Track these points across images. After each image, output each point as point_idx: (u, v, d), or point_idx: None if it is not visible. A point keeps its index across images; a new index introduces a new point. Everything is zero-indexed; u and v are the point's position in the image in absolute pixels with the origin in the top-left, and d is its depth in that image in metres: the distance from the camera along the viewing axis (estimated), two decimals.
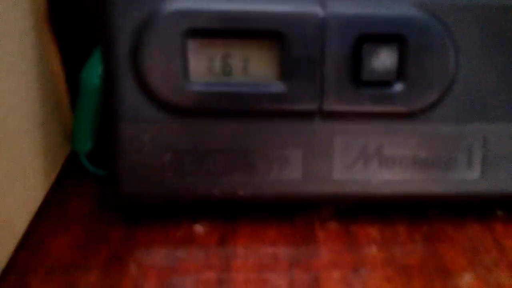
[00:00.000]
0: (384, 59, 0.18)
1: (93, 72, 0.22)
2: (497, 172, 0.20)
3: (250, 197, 0.20)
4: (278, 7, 0.18)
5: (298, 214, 0.21)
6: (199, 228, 0.20)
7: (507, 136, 0.19)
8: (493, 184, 0.20)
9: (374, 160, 0.19)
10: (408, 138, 0.19)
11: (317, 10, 0.18)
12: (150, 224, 0.20)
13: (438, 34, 0.18)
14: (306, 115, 0.19)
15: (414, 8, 0.18)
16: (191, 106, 0.18)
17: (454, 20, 0.18)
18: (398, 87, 0.19)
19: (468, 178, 0.20)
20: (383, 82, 0.18)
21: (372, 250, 0.19)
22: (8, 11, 0.18)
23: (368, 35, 0.18)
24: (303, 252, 0.19)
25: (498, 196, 0.20)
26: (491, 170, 0.20)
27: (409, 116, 0.19)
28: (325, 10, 0.18)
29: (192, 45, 0.18)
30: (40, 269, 0.18)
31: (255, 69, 0.19)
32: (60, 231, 0.20)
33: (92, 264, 0.18)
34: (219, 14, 0.18)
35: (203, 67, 0.18)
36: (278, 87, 0.18)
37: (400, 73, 0.18)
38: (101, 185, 0.22)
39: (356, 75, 0.18)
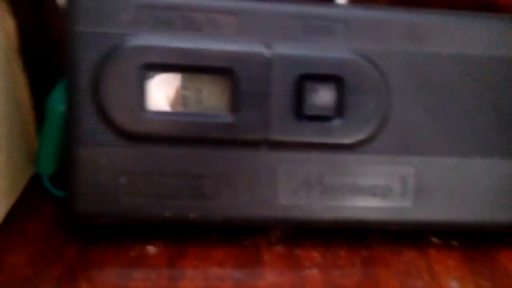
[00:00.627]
0: (323, 96, 0.20)
1: (58, 99, 0.23)
2: (429, 201, 0.21)
3: (200, 220, 0.21)
4: (229, 47, 0.20)
5: (246, 237, 0.22)
6: (151, 249, 0.21)
7: (437, 169, 0.21)
8: (426, 212, 0.21)
9: (316, 188, 0.21)
10: (347, 168, 0.21)
11: (263, 50, 0.20)
12: (104, 244, 0.21)
13: (372, 76, 0.20)
14: (253, 144, 0.20)
15: (351, 52, 0.20)
16: (146, 133, 0.20)
17: (387, 63, 0.20)
18: (337, 121, 0.20)
19: (402, 206, 0.21)
20: (323, 117, 0.20)
21: (313, 272, 0.20)
22: None
23: (309, 75, 0.20)
24: (248, 273, 0.20)
25: (430, 224, 0.22)
26: (424, 200, 0.21)
27: (348, 148, 0.21)
28: (271, 51, 0.20)
29: (149, 78, 0.20)
30: None
31: (208, 100, 0.20)
32: (17, 249, 0.20)
33: (45, 280, 0.19)
34: (175, 50, 0.19)
35: (159, 97, 0.20)
36: (228, 118, 0.20)
37: (338, 109, 0.20)
38: (60, 207, 0.23)
39: (299, 109, 0.20)
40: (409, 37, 0.21)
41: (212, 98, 0.20)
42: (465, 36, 0.21)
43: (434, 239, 0.23)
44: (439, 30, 0.21)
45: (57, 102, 0.23)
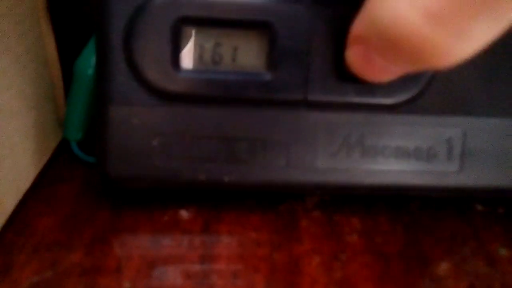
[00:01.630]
0: None
1: (87, 62, 0.22)
2: (476, 165, 0.20)
3: (235, 184, 0.20)
4: None
5: (282, 203, 0.21)
6: (184, 214, 0.20)
7: (486, 131, 0.20)
8: (472, 177, 0.20)
9: (357, 150, 0.20)
10: (390, 129, 0.20)
11: (305, 3, 0.19)
12: (136, 208, 0.20)
13: None
14: (292, 105, 0.19)
15: None
16: (180, 93, 0.19)
17: None
18: None
19: (447, 170, 0.20)
20: None
21: (353, 238, 0.19)
22: None
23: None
24: (285, 238, 0.19)
25: (476, 190, 0.21)
26: (470, 164, 0.20)
27: (391, 108, 0.20)
28: (314, 5, 0.19)
29: (183, 33, 0.19)
30: (26, 248, 0.18)
31: (244, 58, 0.19)
32: (47, 212, 0.20)
33: (76, 244, 0.19)
34: (211, 3, 0.18)
35: (194, 55, 0.19)
36: (265, 76, 0.19)
37: None
38: (90, 172, 0.23)
39: (341, 68, 0.19)
40: None
41: (248, 55, 0.19)
42: None
43: (479, 207, 0.22)
44: None
45: (85, 65, 0.22)
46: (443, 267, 0.18)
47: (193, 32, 0.19)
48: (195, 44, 0.19)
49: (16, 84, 0.19)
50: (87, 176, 0.22)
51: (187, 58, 0.19)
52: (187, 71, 0.19)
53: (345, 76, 0.19)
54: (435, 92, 0.20)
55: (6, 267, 0.17)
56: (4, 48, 0.18)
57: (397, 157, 0.20)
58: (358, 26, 0.16)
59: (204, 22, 0.19)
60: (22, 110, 0.20)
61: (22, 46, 0.20)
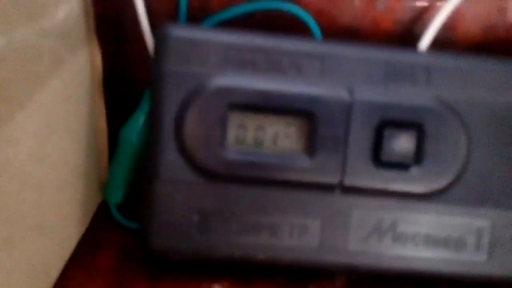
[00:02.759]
0: (403, 144, 0.20)
1: (133, 129, 0.24)
2: (504, 256, 0.21)
3: (269, 261, 0.21)
4: (311, 90, 0.20)
5: (312, 281, 0.22)
6: (217, 287, 0.21)
7: None
8: (500, 268, 0.21)
9: (388, 236, 0.21)
10: (421, 217, 0.21)
11: (345, 95, 0.20)
12: (173, 280, 0.21)
13: (453, 125, 0.20)
14: (328, 188, 0.20)
15: (433, 99, 0.20)
16: (224, 172, 0.20)
17: (468, 113, 0.20)
18: (415, 170, 0.20)
19: (476, 259, 0.21)
20: (401, 164, 0.20)
21: None
22: (72, 78, 0.20)
23: (389, 121, 0.20)
24: None
25: (504, 280, 0.21)
26: (499, 254, 0.21)
27: (423, 197, 0.20)
28: (352, 96, 0.20)
29: (231, 118, 0.20)
30: None
31: (284, 143, 0.20)
32: (87, 282, 0.21)
33: None
34: (257, 92, 0.20)
35: (239, 138, 0.20)
36: (304, 161, 0.20)
37: (417, 157, 0.20)
38: (128, 237, 0.23)
39: (377, 156, 0.20)
40: (493, 86, 0.20)
41: (289, 140, 0.20)
42: None
43: None
44: None
45: (131, 133, 0.24)
46: None
47: (240, 117, 0.20)
48: (240, 128, 0.20)
49: (72, 159, 0.20)
50: (124, 242, 0.23)
51: (232, 140, 0.20)
52: (232, 152, 0.20)
53: (380, 163, 0.20)
54: (465, 183, 0.20)
55: None
56: (66, 130, 0.19)
57: (427, 244, 0.21)
58: None
59: (250, 108, 0.20)
60: (74, 182, 0.21)
61: (79, 124, 0.21)
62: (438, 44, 0.23)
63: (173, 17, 0.23)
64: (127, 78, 0.24)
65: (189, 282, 0.21)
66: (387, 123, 0.20)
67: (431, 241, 0.21)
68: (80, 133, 0.21)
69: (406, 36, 0.24)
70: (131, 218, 0.24)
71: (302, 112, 0.20)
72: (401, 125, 0.20)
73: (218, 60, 0.20)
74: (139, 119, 0.24)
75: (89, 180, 0.23)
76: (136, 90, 0.24)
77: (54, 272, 0.20)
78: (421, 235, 0.21)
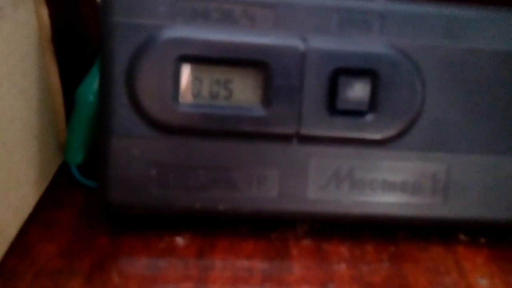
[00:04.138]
0: (357, 91, 0.20)
1: (89, 89, 0.23)
2: (459, 198, 0.21)
3: (229, 212, 0.21)
4: (264, 40, 0.20)
5: (274, 230, 0.22)
6: (179, 240, 0.21)
7: (469, 166, 0.21)
8: (456, 210, 0.21)
9: (346, 182, 0.21)
10: (378, 164, 0.21)
11: (298, 44, 0.20)
12: (134, 235, 0.21)
13: (407, 71, 0.20)
14: (284, 138, 0.20)
15: (387, 46, 0.20)
16: (179, 125, 0.20)
17: (423, 59, 0.20)
18: (370, 116, 0.20)
19: (432, 202, 0.21)
20: (356, 112, 0.20)
21: (341, 267, 0.20)
22: (14, 33, 0.19)
23: (344, 69, 0.20)
24: (276, 267, 0.20)
25: (459, 221, 0.22)
26: (453, 197, 0.21)
27: (379, 143, 0.21)
28: (306, 44, 0.20)
29: (183, 70, 0.20)
30: (27, 274, 0.19)
31: (240, 94, 0.20)
32: (47, 239, 0.21)
33: (76, 270, 0.19)
34: (210, 43, 0.19)
35: (192, 90, 0.20)
36: (259, 111, 0.20)
37: (372, 104, 0.20)
38: (89, 196, 0.23)
39: (332, 104, 0.20)
40: (447, 32, 0.20)
41: (244, 91, 0.20)
42: (502, 32, 0.21)
43: (462, 236, 0.23)
44: (476, 25, 0.20)
45: (87, 93, 0.23)
46: None
47: (192, 69, 0.20)
48: (194, 80, 0.20)
49: (21, 117, 0.20)
50: (86, 200, 0.23)
51: (186, 93, 0.20)
52: (185, 105, 0.20)
53: (335, 112, 0.20)
54: (420, 129, 0.21)
55: None
56: (11, 85, 0.19)
57: (383, 189, 0.21)
58: None
59: (203, 60, 0.20)
60: (26, 141, 0.21)
61: (27, 81, 0.20)
62: None
63: None
64: (81, 36, 0.23)
65: (150, 236, 0.21)
66: (341, 71, 0.20)
67: (388, 186, 0.21)
68: (29, 91, 0.21)
69: None
70: (92, 177, 0.24)
71: (256, 62, 0.20)
72: (356, 72, 0.20)
73: (168, 11, 0.19)
74: (95, 78, 0.23)
75: (46, 141, 0.23)
76: (92, 48, 0.23)
77: (12, 230, 0.20)
78: (378, 180, 0.21)
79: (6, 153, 0.19)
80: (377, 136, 0.21)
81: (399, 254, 0.21)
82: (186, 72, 0.20)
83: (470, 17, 0.20)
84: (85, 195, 0.23)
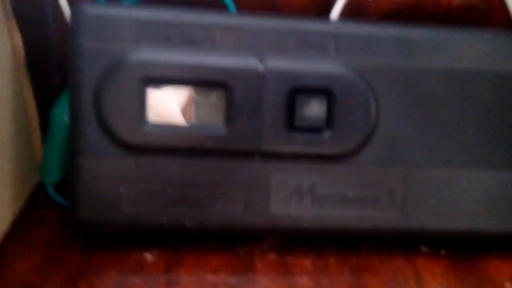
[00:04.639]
0: (314, 109, 0.21)
1: (62, 110, 0.24)
2: (417, 211, 0.22)
3: (196, 228, 0.22)
4: (224, 61, 0.21)
5: (240, 245, 0.23)
6: (148, 256, 0.22)
7: (425, 180, 0.22)
8: (414, 222, 0.22)
9: (308, 197, 0.22)
10: (337, 179, 0.22)
11: (256, 64, 0.21)
12: (104, 251, 0.22)
13: (361, 89, 0.21)
14: (246, 155, 0.21)
15: (342, 66, 0.21)
16: (145, 145, 0.21)
17: (376, 77, 0.21)
18: (327, 133, 0.21)
19: (390, 216, 0.22)
20: (314, 129, 0.21)
21: (303, 279, 0.21)
22: None
23: (300, 88, 0.21)
24: (241, 280, 0.21)
25: (418, 233, 0.22)
26: (412, 209, 0.22)
27: (337, 158, 0.22)
28: (264, 65, 0.21)
29: (148, 91, 0.21)
30: None
31: (203, 113, 0.21)
32: (23, 256, 0.21)
33: (48, 286, 0.20)
34: (173, 65, 0.20)
35: (157, 110, 0.21)
36: (222, 130, 0.21)
37: (328, 121, 0.21)
38: (64, 214, 0.24)
39: (290, 121, 0.21)
40: (399, 51, 0.21)
41: (207, 111, 0.21)
42: (454, 51, 0.22)
43: (423, 248, 0.23)
44: (428, 44, 0.21)
45: (61, 113, 0.24)
46: None
47: (157, 90, 0.21)
48: (159, 101, 0.21)
49: None
50: (60, 218, 0.24)
51: (151, 113, 0.21)
52: (152, 125, 0.21)
53: (294, 129, 0.21)
54: (376, 145, 0.22)
55: None
56: None
57: (344, 203, 0.22)
58: None
59: (168, 81, 0.21)
60: (2, 162, 0.22)
61: (2, 104, 0.21)
62: (351, 14, 0.24)
63: None
64: (52, 59, 0.24)
65: (120, 252, 0.22)
66: (298, 90, 0.21)
67: (347, 200, 0.22)
68: (5, 116, 0.22)
69: (321, 7, 0.25)
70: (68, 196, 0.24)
71: (217, 83, 0.21)
72: (312, 91, 0.21)
73: (132, 35, 0.20)
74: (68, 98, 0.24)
75: (22, 161, 0.24)
76: (63, 71, 0.24)
77: None
78: (338, 195, 0.22)
79: None
80: (334, 151, 0.21)
81: (360, 265, 0.22)
82: (150, 94, 0.21)
83: (422, 37, 0.21)
84: (60, 213, 0.24)
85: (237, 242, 0.23)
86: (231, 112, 0.21)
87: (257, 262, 0.22)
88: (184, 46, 0.21)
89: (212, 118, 0.21)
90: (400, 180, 0.22)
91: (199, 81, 0.21)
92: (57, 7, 0.22)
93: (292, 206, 0.22)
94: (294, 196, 0.22)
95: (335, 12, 0.23)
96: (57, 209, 0.24)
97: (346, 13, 0.23)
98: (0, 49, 0.21)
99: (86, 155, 0.21)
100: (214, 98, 0.21)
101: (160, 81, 0.21)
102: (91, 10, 0.20)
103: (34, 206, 0.25)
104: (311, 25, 0.21)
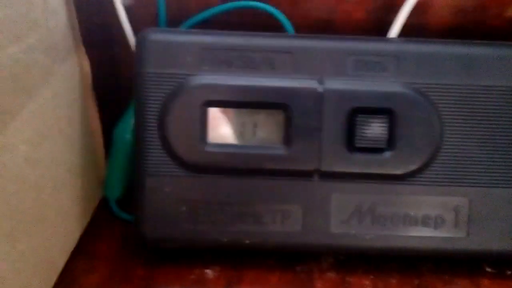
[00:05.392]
0: (374, 129, 0.21)
1: (125, 129, 0.25)
2: (482, 231, 0.21)
3: (255, 246, 0.22)
4: (284, 83, 0.21)
5: (299, 263, 0.23)
6: (209, 273, 0.22)
7: (490, 199, 0.21)
8: (479, 242, 0.22)
9: (368, 217, 0.22)
10: (398, 198, 0.21)
11: (316, 86, 0.21)
12: (168, 266, 0.23)
13: (423, 108, 0.21)
14: (306, 175, 0.21)
15: (402, 85, 0.21)
16: (206, 165, 0.21)
17: (439, 96, 0.21)
18: (388, 153, 0.21)
19: (454, 236, 0.22)
20: (375, 149, 0.21)
21: None
22: (61, 85, 0.22)
23: (361, 108, 0.21)
24: None
25: (483, 254, 0.22)
26: (477, 230, 0.21)
27: (399, 178, 0.21)
28: (323, 86, 0.21)
29: (210, 114, 0.21)
30: None
31: (263, 134, 0.22)
32: (90, 270, 0.22)
33: None
34: (233, 88, 0.21)
35: (218, 132, 0.22)
36: (282, 150, 0.21)
37: (389, 141, 0.21)
38: (127, 228, 0.25)
39: (350, 142, 0.21)
40: (462, 69, 0.21)
41: (267, 131, 0.22)
42: None
43: (488, 269, 0.23)
44: (491, 62, 0.21)
45: (123, 132, 0.25)
46: None
47: (218, 112, 0.21)
48: (220, 123, 0.21)
49: (66, 159, 0.22)
50: (124, 234, 0.25)
51: (213, 135, 0.22)
52: (213, 146, 0.21)
53: (354, 149, 0.21)
54: (439, 164, 0.21)
55: None
56: (58, 132, 0.21)
57: (405, 223, 0.22)
58: None
59: (229, 104, 0.21)
60: (71, 180, 0.23)
61: (72, 126, 0.23)
62: (411, 30, 0.23)
63: (155, 21, 0.24)
64: (116, 81, 0.26)
65: (182, 268, 0.23)
66: (358, 110, 0.21)
67: (409, 220, 0.22)
68: (73, 136, 0.23)
69: (379, 25, 0.24)
70: (130, 211, 0.25)
71: (277, 105, 0.21)
72: (372, 111, 0.21)
73: (194, 60, 0.21)
74: (130, 118, 0.25)
75: (87, 178, 0.25)
76: (126, 91, 0.25)
77: (60, 262, 0.22)
78: (399, 214, 0.22)
79: (55, 194, 0.21)
80: (396, 171, 0.21)
81: (422, 286, 0.22)
82: (212, 116, 0.21)
83: (485, 55, 0.21)
84: (123, 228, 0.25)
85: (296, 260, 0.23)
86: (290, 133, 0.21)
87: (316, 280, 0.22)
88: (244, 69, 0.21)
89: (271, 139, 0.22)
90: (466, 199, 0.21)
91: (259, 103, 0.21)
92: (122, 33, 0.23)
93: (352, 225, 0.22)
94: (354, 215, 0.22)
95: (395, 30, 0.23)
96: (119, 223, 0.25)
97: (405, 30, 0.23)
98: (70, 73, 0.23)
99: (150, 174, 0.22)
100: (274, 119, 0.21)
101: (221, 103, 0.21)
102: (155, 37, 0.21)
103: (99, 220, 0.26)
104: (370, 45, 0.21)
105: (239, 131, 0.22)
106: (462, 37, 0.23)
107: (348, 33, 0.24)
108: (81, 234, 0.24)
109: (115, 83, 0.26)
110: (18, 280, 0.18)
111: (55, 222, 0.21)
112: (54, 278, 0.21)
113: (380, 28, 0.24)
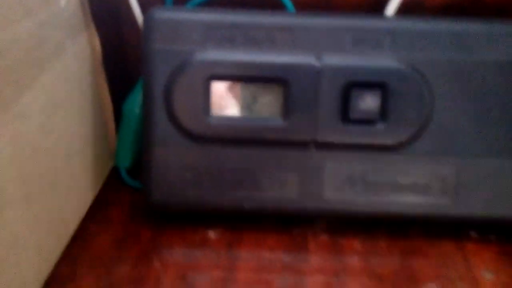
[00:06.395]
0: (368, 102, 0.22)
1: (133, 103, 0.27)
2: (468, 198, 0.23)
3: (254, 210, 0.24)
4: (283, 59, 0.22)
5: (295, 226, 0.25)
6: (211, 234, 0.24)
7: (477, 169, 0.23)
8: (464, 208, 0.23)
9: (359, 184, 0.23)
10: (389, 167, 0.23)
11: (314, 61, 0.22)
12: (173, 229, 0.25)
13: (416, 82, 0.22)
14: (303, 145, 0.23)
15: (397, 61, 0.22)
16: (209, 136, 0.23)
17: (431, 71, 0.22)
18: (380, 125, 0.22)
19: (441, 202, 0.23)
20: (368, 121, 0.22)
21: (354, 260, 0.23)
22: (73, 61, 0.23)
23: (356, 82, 0.22)
24: (295, 258, 0.23)
25: (468, 219, 0.23)
26: (463, 197, 0.23)
27: (390, 149, 0.23)
28: (320, 61, 0.22)
29: (213, 87, 0.23)
30: (85, 261, 0.23)
31: (263, 107, 0.23)
32: (101, 232, 0.24)
33: (125, 258, 0.23)
34: (236, 63, 0.22)
35: (221, 105, 0.23)
36: (280, 121, 0.23)
37: (382, 113, 0.22)
38: (136, 195, 0.27)
39: (345, 114, 0.22)
40: (455, 45, 0.22)
41: (266, 104, 0.23)
42: (510, 43, 0.22)
43: (473, 234, 0.24)
44: (484, 38, 0.22)
45: (132, 106, 0.27)
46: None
47: (221, 87, 0.23)
48: (222, 96, 0.23)
49: (78, 130, 0.24)
50: (133, 199, 0.27)
51: (215, 107, 0.23)
52: (216, 118, 0.23)
53: (348, 121, 0.23)
54: (429, 136, 0.23)
55: (71, 275, 0.22)
56: (70, 105, 0.23)
57: (395, 191, 0.23)
58: None
59: (232, 78, 0.23)
60: (83, 150, 0.25)
61: (83, 100, 0.24)
62: (408, 8, 0.24)
63: (162, 1, 0.25)
64: (125, 58, 0.27)
65: (187, 230, 0.24)
66: (353, 85, 0.22)
67: (399, 187, 0.23)
68: (85, 109, 0.25)
69: (376, 3, 0.25)
70: (139, 179, 0.27)
71: (276, 79, 0.22)
72: (367, 85, 0.22)
73: (199, 37, 0.22)
74: (139, 93, 0.27)
75: (99, 149, 0.26)
76: (135, 68, 0.27)
77: (72, 225, 0.24)
78: (389, 182, 0.23)
79: (67, 161, 0.23)
80: (387, 142, 0.23)
81: (410, 249, 0.23)
82: (215, 90, 0.23)
83: (477, 31, 0.22)
84: (132, 195, 0.27)
85: (292, 224, 0.25)
86: (289, 106, 0.22)
87: (310, 242, 0.24)
88: (246, 45, 0.22)
89: (271, 112, 0.23)
90: (453, 169, 0.23)
91: (260, 78, 0.22)
92: (130, 12, 0.25)
93: (345, 192, 0.23)
94: (346, 183, 0.23)
95: (391, 8, 0.24)
96: (129, 191, 0.27)
97: (401, 8, 0.24)
98: (81, 51, 0.24)
99: (158, 144, 0.23)
100: (274, 93, 0.23)
101: (224, 78, 0.23)
102: (162, 15, 0.22)
103: (109, 188, 0.28)
104: (367, 22, 0.22)
105: (241, 104, 0.23)
106: (458, 14, 0.23)
107: (346, 11, 0.25)
108: (92, 199, 0.26)
109: (124, 61, 0.27)
110: (33, 239, 0.20)
111: (67, 187, 0.23)
112: (67, 238, 0.23)
113: (377, 7, 0.25)
